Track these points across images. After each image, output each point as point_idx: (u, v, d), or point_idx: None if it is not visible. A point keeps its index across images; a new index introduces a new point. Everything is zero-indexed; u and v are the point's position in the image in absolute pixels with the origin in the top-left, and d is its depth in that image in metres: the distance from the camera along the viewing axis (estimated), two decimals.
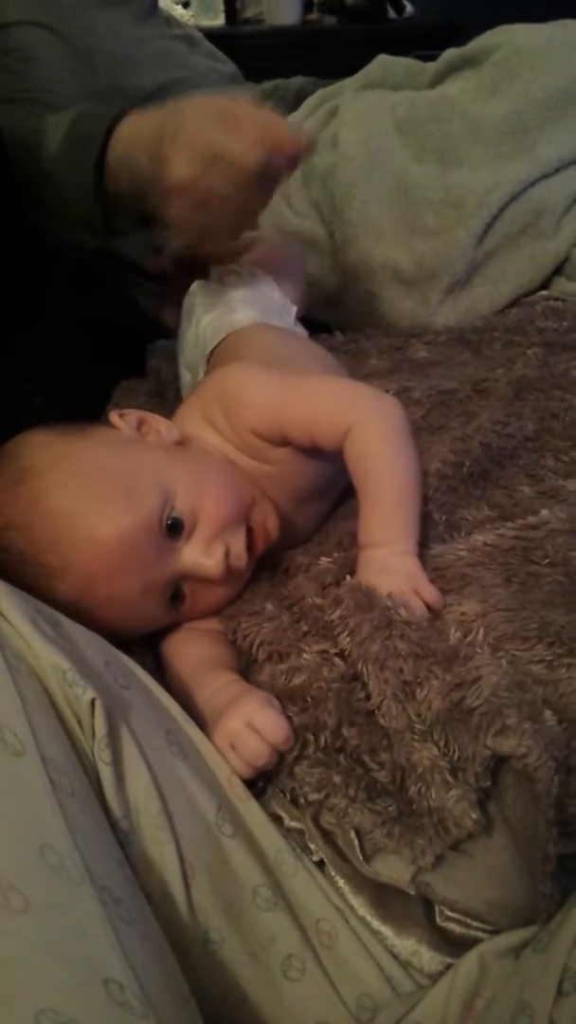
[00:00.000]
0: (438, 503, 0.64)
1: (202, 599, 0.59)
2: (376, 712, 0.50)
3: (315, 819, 0.50)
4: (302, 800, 0.50)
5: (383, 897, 0.49)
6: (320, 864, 0.50)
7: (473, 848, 0.47)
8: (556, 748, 0.44)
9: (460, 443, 0.69)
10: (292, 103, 1.25)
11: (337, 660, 0.54)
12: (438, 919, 0.48)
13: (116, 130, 0.77)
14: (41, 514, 0.53)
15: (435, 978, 0.47)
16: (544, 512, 0.62)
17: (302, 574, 0.62)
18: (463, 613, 0.54)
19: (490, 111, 1.04)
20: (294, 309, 0.85)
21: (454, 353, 0.95)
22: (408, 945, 0.48)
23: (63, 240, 0.85)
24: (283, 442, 0.62)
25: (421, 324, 1.03)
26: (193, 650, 0.59)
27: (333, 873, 0.50)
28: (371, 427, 0.59)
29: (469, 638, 0.52)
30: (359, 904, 0.49)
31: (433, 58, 1.19)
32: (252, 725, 0.50)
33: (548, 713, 0.46)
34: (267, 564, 0.64)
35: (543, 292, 1.06)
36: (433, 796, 0.46)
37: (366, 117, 1.10)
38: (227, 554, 0.57)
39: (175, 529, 0.56)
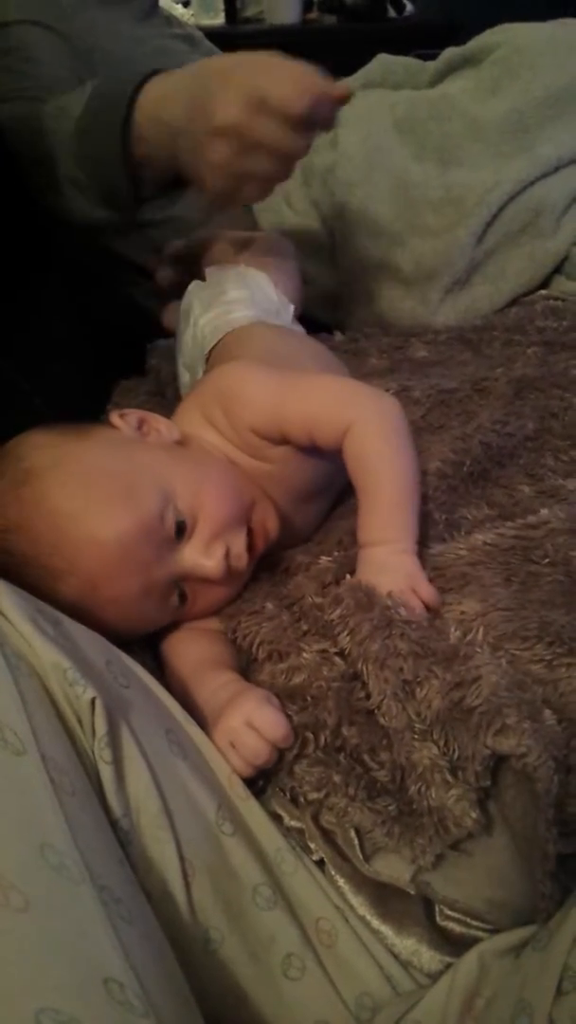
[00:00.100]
0: (438, 502, 0.64)
1: (202, 599, 0.59)
2: (376, 711, 0.50)
3: (315, 818, 0.50)
4: (302, 799, 0.50)
5: (383, 896, 0.49)
6: (320, 863, 0.50)
7: (473, 847, 0.47)
8: (556, 747, 0.44)
9: (460, 442, 0.69)
10: None
11: (337, 659, 0.54)
12: (438, 918, 0.48)
13: (142, 92, 0.78)
14: (43, 516, 0.53)
15: (435, 977, 0.47)
16: (544, 511, 0.62)
17: (302, 573, 0.62)
18: (463, 612, 0.54)
19: (490, 110, 1.04)
20: (292, 307, 0.85)
21: (454, 352, 0.94)
22: (408, 944, 0.48)
23: (80, 220, 0.85)
24: (282, 440, 0.62)
25: (421, 323, 1.03)
26: (193, 649, 0.59)
27: (333, 872, 0.50)
28: (370, 426, 0.59)
29: (469, 637, 0.52)
30: (359, 903, 0.49)
31: (433, 57, 1.19)
32: (252, 723, 0.50)
33: (548, 712, 0.46)
34: (267, 563, 0.64)
35: (543, 291, 1.06)
36: (433, 795, 0.46)
37: (366, 116, 1.10)
38: (227, 554, 0.57)
39: (180, 530, 0.56)
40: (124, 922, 0.36)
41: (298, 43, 2.09)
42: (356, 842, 0.49)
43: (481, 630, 0.52)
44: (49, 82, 0.93)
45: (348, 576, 0.57)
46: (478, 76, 1.10)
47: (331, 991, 0.45)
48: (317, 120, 0.72)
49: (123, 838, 0.42)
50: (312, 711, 0.51)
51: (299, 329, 0.87)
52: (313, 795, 0.49)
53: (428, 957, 0.48)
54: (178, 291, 0.89)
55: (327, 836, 0.50)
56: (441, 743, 0.47)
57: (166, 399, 0.89)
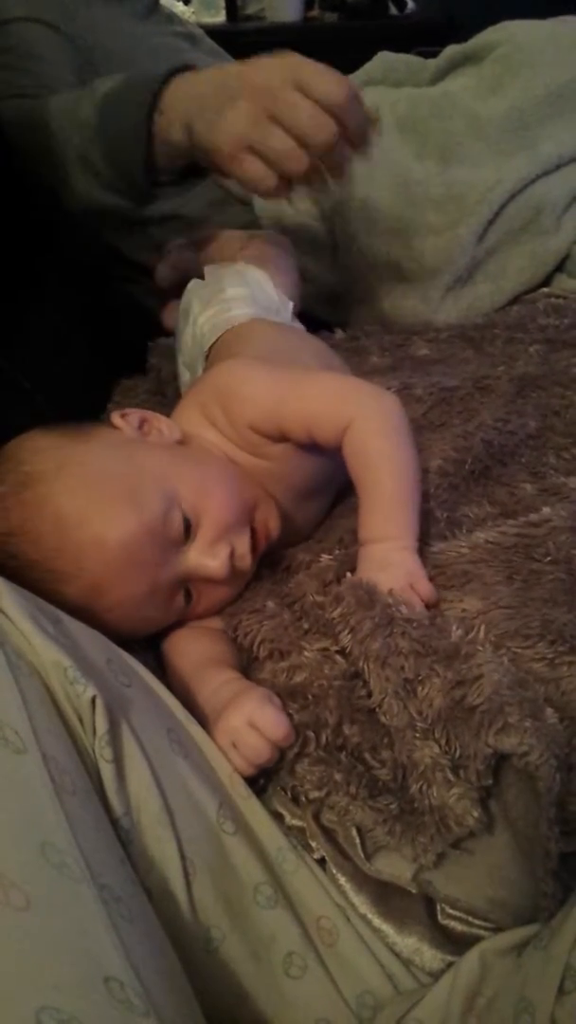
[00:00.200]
0: (439, 500, 0.64)
1: (206, 599, 0.59)
2: (377, 710, 0.50)
3: (316, 817, 0.50)
4: (303, 798, 0.50)
5: (384, 895, 0.49)
6: (321, 862, 0.50)
7: (474, 846, 0.47)
8: (557, 746, 0.44)
9: (462, 440, 0.69)
10: None
11: (338, 658, 0.54)
12: (439, 917, 0.48)
13: (176, 76, 0.78)
14: (46, 520, 0.53)
15: (436, 976, 0.47)
16: (546, 510, 0.62)
17: (303, 571, 0.61)
18: (465, 610, 0.54)
19: (491, 108, 1.04)
20: (291, 305, 0.85)
21: (455, 350, 0.94)
22: (409, 943, 0.48)
23: (86, 205, 0.86)
24: (281, 438, 0.62)
25: (422, 321, 1.03)
26: (194, 648, 0.59)
27: (334, 871, 0.49)
28: (370, 423, 0.59)
29: (470, 636, 0.51)
30: (360, 902, 0.49)
31: (434, 55, 1.19)
32: (253, 723, 0.50)
33: (549, 711, 0.46)
34: (268, 562, 0.64)
35: (544, 289, 1.06)
36: (434, 794, 0.46)
37: None
38: (231, 554, 0.57)
39: (186, 531, 0.56)
40: (125, 921, 0.36)
41: (299, 40, 2.08)
42: (357, 841, 0.49)
43: (483, 628, 0.52)
44: (50, 80, 0.94)
45: (349, 574, 0.57)
46: (479, 74, 1.10)
47: (332, 990, 0.45)
48: (348, 124, 0.71)
49: (124, 837, 0.42)
50: (313, 710, 0.51)
51: (299, 326, 0.86)
52: (314, 794, 0.49)
53: (430, 956, 0.47)
54: (177, 290, 0.89)
55: (328, 835, 0.50)
56: (443, 742, 0.47)
57: (167, 398, 0.89)
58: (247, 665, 0.59)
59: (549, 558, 0.57)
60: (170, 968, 0.38)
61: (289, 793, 0.51)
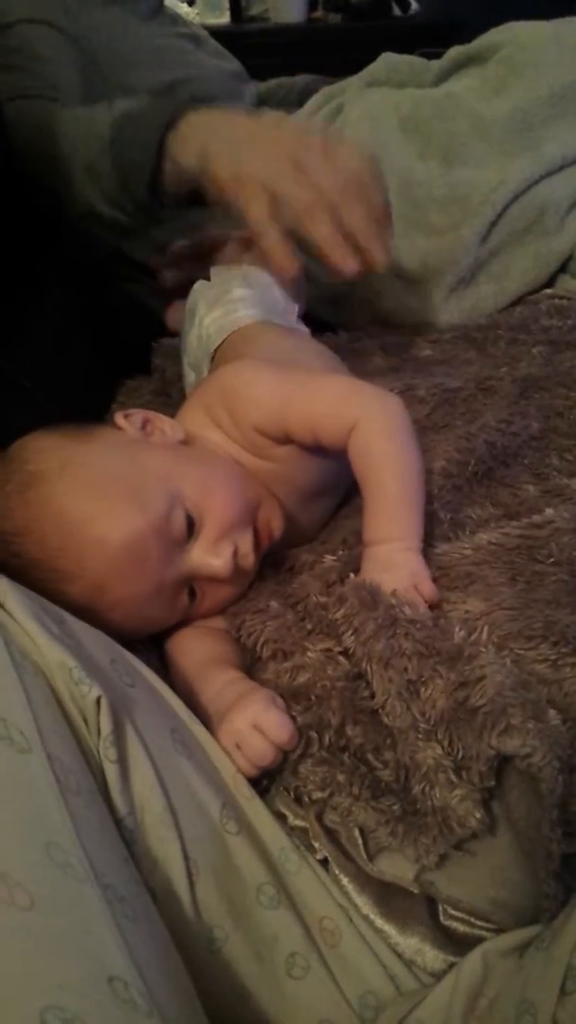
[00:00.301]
0: (443, 501, 0.64)
1: (209, 598, 0.60)
2: (380, 711, 0.50)
3: (319, 817, 0.50)
4: (306, 798, 0.50)
5: (387, 895, 0.49)
6: (324, 862, 0.50)
7: (477, 847, 0.47)
8: (560, 748, 0.44)
9: (465, 441, 0.69)
10: (297, 101, 1.25)
11: (341, 658, 0.54)
12: (442, 918, 0.48)
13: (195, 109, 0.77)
14: (50, 519, 0.53)
15: (439, 976, 0.47)
16: (549, 511, 0.62)
17: (307, 572, 0.62)
18: (468, 611, 0.54)
19: (495, 109, 1.04)
20: (296, 307, 0.85)
21: (458, 351, 0.94)
22: (412, 943, 0.48)
23: (89, 212, 0.85)
24: (286, 440, 0.62)
25: (425, 322, 1.03)
26: (198, 648, 0.60)
27: (337, 871, 0.50)
28: (375, 424, 0.59)
29: (473, 637, 0.52)
30: (363, 902, 0.49)
31: (438, 56, 1.19)
32: (257, 725, 0.50)
33: (552, 712, 0.46)
34: (272, 562, 0.64)
35: (547, 290, 1.05)
36: (437, 795, 0.46)
37: (371, 115, 1.09)
38: (235, 553, 0.57)
39: (189, 530, 0.56)
40: (128, 920, 0.36)
41: (303, 42, 2.12)
42: (360, 841, 0.49)
43: (486, 629, 0.52)
44: (55, 81, 0.94)
45: (352, 575, 0.57)
46: (483, 75, 1.10)
47: (335, 990, 0.45)
48: (370, 199, 0.69)
49: (128, 836, 0.42)
50: (316, 710, 0.51)
51: (303, 329, 0.86)
52: (317, 794, 0.49)
53: (432, 956, 0.47)
54: (182, 291, 0.89)
55: (331, 835, 0.50)
56: (445, 743, 0.47)
57: (171, 399, 0.89)
58: (250, 665, 0.59)
59: (552, 560, 0.57)
60: (173, 968, 0.38)
61: (292, 793, 0.51)
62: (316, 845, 0.50)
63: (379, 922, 0.48)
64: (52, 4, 1.01)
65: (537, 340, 0.93)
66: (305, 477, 0.65)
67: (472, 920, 0.47)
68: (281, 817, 0.51)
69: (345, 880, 0.49)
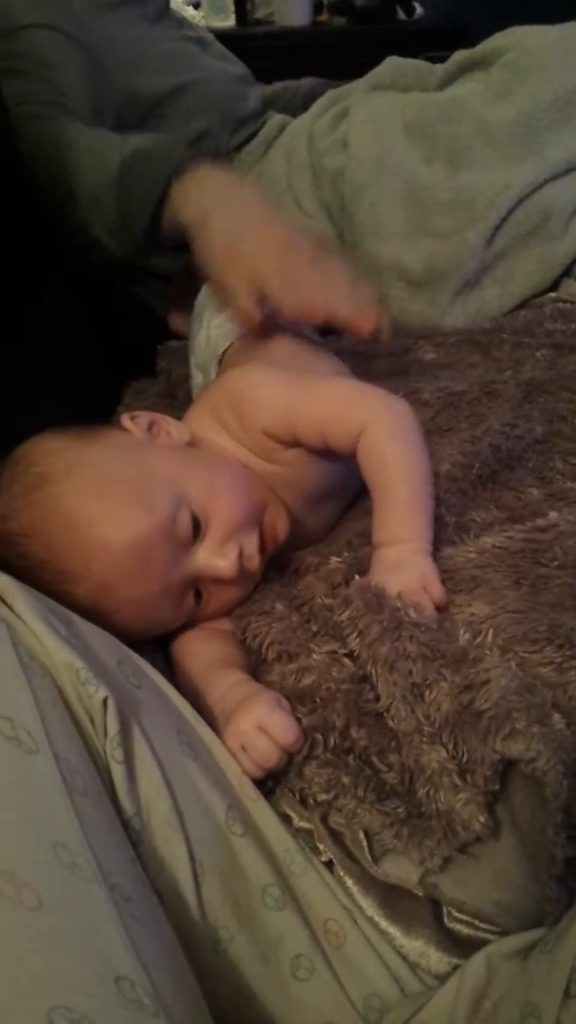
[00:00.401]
0: (447, 504, 0.64)
1: (215, 600, 0.60)
2: (385, 714, 0.50)
3: (324, 819, 0.50)
4: (311, 800, 0.50)
5: (391, 898, 0.49)
6: (329, 864, 0.50)
7: (481, 850, 0.47)
8: (565, 751, 0.44)
9: (469, 445, 0.69)
10: (302, 104, 1.25)
11: (346, 661, 0.54)
12: (446, 920, 0.48)
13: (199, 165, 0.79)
14: (57, 521, 0.53)
15: (443, 979, 0.47)
16: (553, 514, 0.62)
17: (312, 574, 0.62)
18: (472, 615, 0.54)
19: (499, 113, 1.04)
20: None
21: (463, 355, 0.95)
22: (416, 946, 0.48)
23: (84, 233, 0.87)
24: (294, 443, 0.62)
25: (430, 325, 1.03)
26: (203, 649, 0.60)
27: (342, 873, 0.50)
28: (383, 427, 0.59)
29: (478, 640, 0.52)
30: (368, 904, 0.49)
31: (443, 59, 1.19)
32: (263, 727, 0.50)
33: (557, 716, 0.46)
34: (277, 564, 0.64)
35: (552, 294, 1.06)
36: (442, 798, 0.46)
37: (376, 119, 1.10)
38: (240, 554, 0.57)
39: (195, 531, 0.56)
40: (135, 921, 0.36)
41: (308, 45, 2.12)
42: (365, 844, 0.49)
43: (490, 633, 0.52)
44: (64, 86, 0.94)
45: (358, 577, 0.58)
46: (488, 79, 1.10)
47: (339, 992, 0.46)
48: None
49: (134, 837, 0.42)
50: (321, 713, 0.52)
51: (310, 333, 0.87)
52: (322, 796, 0.49)
53: (436, 959, 0.48)
54: (189, 295, 0.89)
55: (336, 837, 0.50)
56: (450, 746, 0.47)
57: (177, 400, 0.90)
58: (256, 667, 0.59)
59: (556, 563, 0.57)
60: (179, 968, 0.38)
61: (297, 795, 0.51)
62: (321, 847, 0.50)
63: (383, 924, 0.49)
64: (58, 9, 1.01)
65: (541, 344, 0.93)
66: (312, 481, 0.65)
67: (476, 923, 0.48)
68: (286, 819, 0.51)
69: (350, 882, 0.49)
